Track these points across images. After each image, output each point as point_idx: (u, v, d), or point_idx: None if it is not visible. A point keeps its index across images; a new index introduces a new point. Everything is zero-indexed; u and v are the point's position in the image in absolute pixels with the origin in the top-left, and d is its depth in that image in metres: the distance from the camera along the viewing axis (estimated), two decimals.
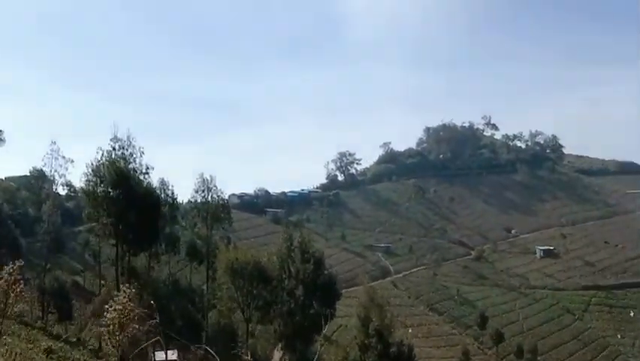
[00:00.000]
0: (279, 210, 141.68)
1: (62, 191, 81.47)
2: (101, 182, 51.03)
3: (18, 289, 8.53)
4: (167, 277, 69.42)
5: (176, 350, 54.26)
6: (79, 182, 68.52)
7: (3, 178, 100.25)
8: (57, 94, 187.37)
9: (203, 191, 72.98)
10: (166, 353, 53.80)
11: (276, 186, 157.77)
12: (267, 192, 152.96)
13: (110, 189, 50.85)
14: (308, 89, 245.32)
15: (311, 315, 57.25)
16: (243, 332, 60.35)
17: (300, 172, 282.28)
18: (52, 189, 75.01)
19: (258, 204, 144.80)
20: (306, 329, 57.58)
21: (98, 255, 64.85)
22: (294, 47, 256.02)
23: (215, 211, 72.54)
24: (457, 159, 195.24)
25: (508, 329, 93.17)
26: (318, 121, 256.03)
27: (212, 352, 29.21)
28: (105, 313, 8.33)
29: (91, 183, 51.24)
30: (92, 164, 51.62)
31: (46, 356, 39.49)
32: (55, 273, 61.72)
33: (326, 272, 61.82)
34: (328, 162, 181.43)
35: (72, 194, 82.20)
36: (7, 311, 8.61)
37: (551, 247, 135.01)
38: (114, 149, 52.59)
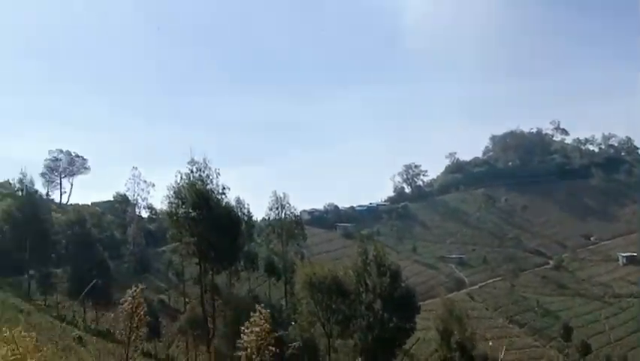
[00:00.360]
0: (348, 225, 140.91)
1: (144, 214, 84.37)
2: (183, 203, 51.95)
3: (142, 313, 8.25)
4: (247, 293, 69.92)
5: None
6: (160, 204, 71.00)
7: (89, 204, 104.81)
8: (136, 122, 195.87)
9: (277, 208, 73.76)
10: None
11: (344, 201, 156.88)
12: (336, 207, 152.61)
13: (191, 210, 51.65)
14: (369, 105, 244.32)
15: (390, 329, 55.96)
16: (324, 347, 59.51)
17: (367, 186, 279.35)
18: (135, 212, 77.80)
19: (327, 219, 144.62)
20: (386, 343, 56.26)
21: (181, 274, 66.21)
22: (353, 64, 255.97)
23: (289, 228, 73.03)
24: (526, 166, 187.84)
25: (595, 339, 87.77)
26: (381, 136, 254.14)
27: None
28: (242, 336, 7.78)
29: (173, 205, 52.32)
30: (173, 187, 52.75)
31: None
32: (143, 293, 63.36)
33: (403, 285, 60.43)
34: (394, 175, 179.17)
35: (154, 216, 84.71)
36: (132, 336, 8.36)
37: (634, 253, 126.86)
38: (192, 171, 53.63)
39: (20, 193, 72.45)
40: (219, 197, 54.74)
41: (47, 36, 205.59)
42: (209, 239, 50.88)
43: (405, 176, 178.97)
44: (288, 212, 73.92)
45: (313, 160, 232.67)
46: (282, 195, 72.35)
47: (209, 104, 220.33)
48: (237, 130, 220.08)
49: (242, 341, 7.69)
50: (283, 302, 69.60)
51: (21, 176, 72.29)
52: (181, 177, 52.94)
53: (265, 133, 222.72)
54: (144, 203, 77.90)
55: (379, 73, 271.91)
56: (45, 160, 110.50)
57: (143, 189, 74.61)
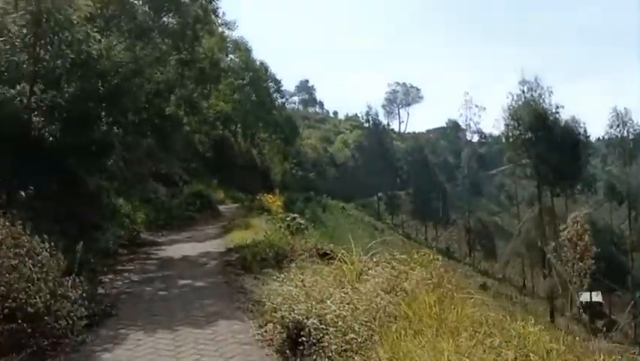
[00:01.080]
0: None
1: (475, 138, 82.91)
2: (518, 125, 49.12)
3: (587, 241, 6.47)
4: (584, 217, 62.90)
5: (599, 292, 48.50)
6: (491, 128, 68.34)
7: (424, 131, 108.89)
8: (461, 48, 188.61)
9: (617, 126, 64.13)
10: (590, 295, 48.44)
11: None
12: None
13: (527, 131, 48.38)
14: None
15: None
16: None
17: None
18: (466, 137, 76.88)
19: None
20: None
21: (513, 196, 63.37)
22: None
23: (632, 147, 63.09)
24: None
25: None
26: None
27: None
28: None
29: (509, 127, 50.02)
30: (508, 109, 50.08)
31: (484, 291, 40.10)
32: (477, 214, 62.89)
33: None
34: None
35: (484, 140, 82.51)
36: (575, 266, 6.61)
37: None
38: (523, 92, 50.35)
39: (367, 125, 78.53)
40: (554, 116, 49.94)
41: None
42: (548, 160, 46.79)
43: None
44: (631, 129, 63.40)
45: None
46: (623, 111, 61.97)
47: (530, 20, 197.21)
48: (566, 45, 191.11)
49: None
50: (626, 228, 60.83)
51: (367, 109, 78.28)
52: (513, 98, 50.01)
53: (599, 44, 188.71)
54: (475, 127, 76.34)
55: None
56: (385, 93, 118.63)
57: (474, 114, 72.85)
